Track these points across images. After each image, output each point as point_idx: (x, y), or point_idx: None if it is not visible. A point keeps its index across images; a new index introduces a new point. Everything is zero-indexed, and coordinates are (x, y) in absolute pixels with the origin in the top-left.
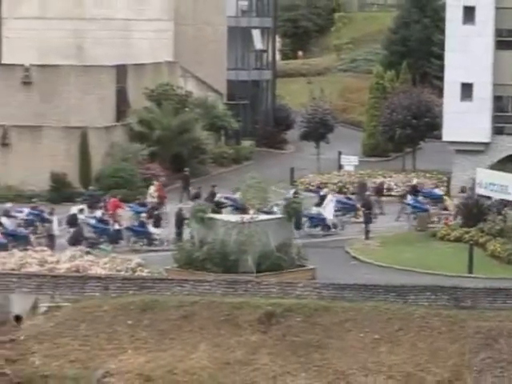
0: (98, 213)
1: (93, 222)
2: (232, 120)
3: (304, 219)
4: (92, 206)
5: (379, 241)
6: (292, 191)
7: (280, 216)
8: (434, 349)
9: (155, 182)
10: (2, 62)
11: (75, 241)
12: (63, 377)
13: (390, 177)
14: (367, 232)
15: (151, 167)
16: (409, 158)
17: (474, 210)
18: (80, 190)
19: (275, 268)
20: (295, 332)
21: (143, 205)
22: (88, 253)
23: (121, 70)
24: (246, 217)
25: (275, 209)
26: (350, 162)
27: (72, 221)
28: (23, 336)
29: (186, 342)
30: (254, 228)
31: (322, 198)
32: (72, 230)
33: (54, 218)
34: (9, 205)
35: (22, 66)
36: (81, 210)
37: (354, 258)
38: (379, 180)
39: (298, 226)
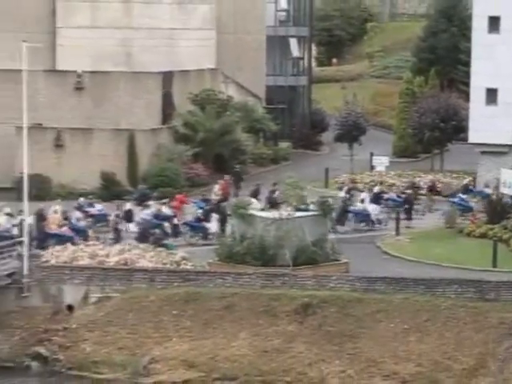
0: (164, 208)
1: (148, 217)
2: (270, 123)
3: (350, 215)
4: (143, 203)
5: (409, 237)
6: (345, 189)
7: (315, 213)
8: (460, 338)
9: (220, 180)
10: (57, 68)
11: (143, 237)
12: (112, 363)
13: (419, 176)
14: (398, 228)
15: (194, 167)
16: (437, 159)
17: (498, 208)
18: (128, 188)
19: (311, 262)
20: (329, 322)
21: (207, 200)
22: (163, 246)
23: (167, 76)
24: (284, 214)
25: (311, 206)
26: (381, 162)
27: (128, 216)
28: (75, 324)
29: (227, 331)
30: (291, 224)
31: (376, 196)
32: (129, 225)
33: (121, 213)
34: (81, 199)
35: (75, 72)
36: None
37: (386, 252)
38: (429, 179)
39: (343, 222)
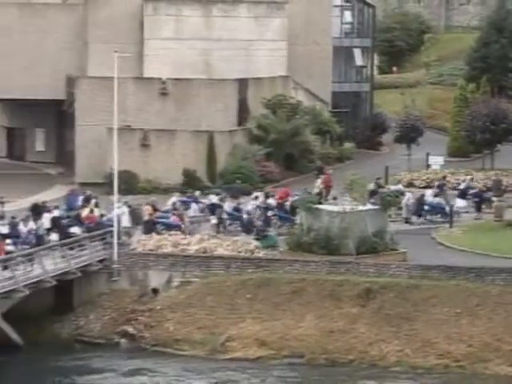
0: (270, 200)
1: (229, 210)
2: (336, 125)
3: (426, 207)
4: (235, 197)
5: (462, 229)
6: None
7: (376, 207)
8: (508, 322)
9: (321, 175)
10: (144, 75)
11: (247, 229)
12: (192, 341)
13: (471, 174)
14: (451, 221)
15: (267, 165)
16: (487, 159)
17: None
18: (207, 183)
19: (372, 251)
20: (388, 306)
21: (308, 193)
22: (265, 237)
23: (242, 83)
24: (348, 207)
25: (372, 200)
26: (436, 161)
27: (211, 210)
28: (159, 306)
29: (296, 313)
30: (353, 217)
31: (463, 192)
32: (211, 217)
33: (226, 205)
34: (197, 192)
35: (160, 79)
36: (255, 197)
37: (440, 243)
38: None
39: (419, 214)
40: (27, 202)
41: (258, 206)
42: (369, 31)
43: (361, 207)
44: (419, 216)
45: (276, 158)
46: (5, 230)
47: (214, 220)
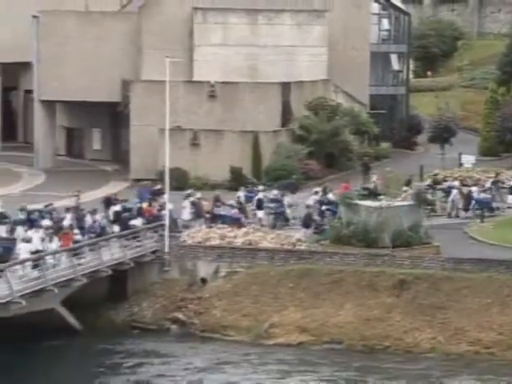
0: (330, 196)
1: (271, 204)
2: (373, 126)
3: (473, 202)
4: (293, 192)
5: (492, 224)
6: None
7: (411, 203)
8: None
9: (368, 171)
10: (193, 79)
11: (306, 223)
12: (238, 327)
13: (502, 172)
14: (483, 216)
15: (309, 163)
16: None
17: None
18: (253, 180)
19: (407, 244)
20: (422, 296)
21: (366, 189)
22: (322, 232)
23: (286, 86)
24: (384, 203)
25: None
26: (468, 160)
27: (259, 205)
28: (207, 294)
29: (335, 302)
30: (390, 212)
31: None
32: (258, 212)
33: (285, 200)
34: (261, 187)
35: (209, 82)
36: (315, 192)
37: (472, 237)
38: None
39: (467, 208)
40: (87, 196)
41: (316, 201)
42: (405, 38)
43: (397, 203)
44: (466, 211)
45: (317, 156)
46: (68, 221)
47: (260, 214)
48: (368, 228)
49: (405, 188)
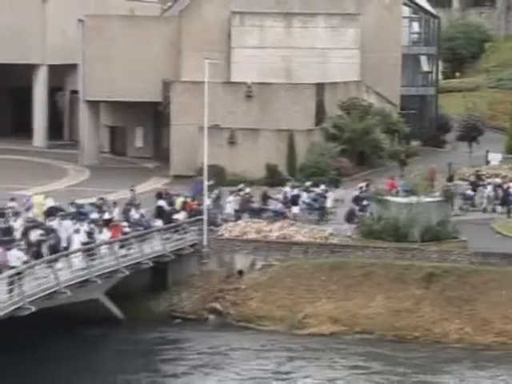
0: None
1: (307, 200)
2: (403, 125)
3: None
4: (336, 186)
5: None
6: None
7: (440, 199)
8: None
9: (405, 167)
10: (231, 80)
11: (349, 218)
12: (273, 317)
13: None
14: (509, 211)
15: (341, 161)
16: None
17: None
18: (287, 177)
19: (435, 239)
20: (450, 288)
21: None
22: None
23: (319, 87)
24: (414, 199)
25: (436, 193)
26: (495, 158)
27: (294, 200)
28: (244, 286)
29: (366, 294)
30: (419, 208)
31: None
32: (294, 208)
33: (330, 195)
34: (308, 183)
35: (246, 83)
36: (360, 188)
37: (498, 232)
38: None
39: (504, 204)
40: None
41: (357, 196)
42: (434, 40)
43: (426, 199)
44: (502, 205)
45: (349, 154)
46: (116, 215)
47: (295, 210)
48: (398, 223)
49: (448, 183)
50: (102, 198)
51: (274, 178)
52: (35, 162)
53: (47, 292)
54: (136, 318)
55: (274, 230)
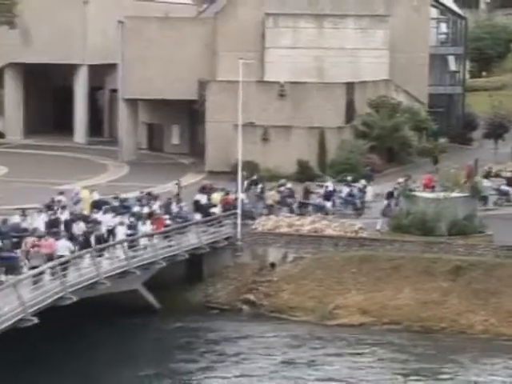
0: (412, 185)
1: (343, 195)
2: (431, 123)
3: None
4: (371, 180)
5: None
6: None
7: (466, 194)
8: None
9: (437, 164)
10: (265, 79)
11: (385, 213)
12: (304, 308)
13: None
14: None
15: (371, 157)
16: None
17: None
18: (318, 173)
19: (462, 233)
20: (477, 281)
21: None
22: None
23: (350, 86)
24: (441, 194)
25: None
26: None
27: (389, 195)
28: (276, 278)
29: (394, 286)
30: (446, 203)
31: None
32: (327, 203)
33: (370, 189)
34: (349, 178)
35: (279, 82)
36: (398, 183)
37: None
38: None
39: None
40: (168, 186)
41: (391, 192)
42: (461, 40)
43: (453, 194)
44: None
45: (378, 151)
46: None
47: (328, 204)
48: (426, 217)
49: (483, 180)
50: (144, 192)
51: (305, 173)
52: (76, 157)
53: (88, 282)
54: (173, 308)
55: (306, 224)
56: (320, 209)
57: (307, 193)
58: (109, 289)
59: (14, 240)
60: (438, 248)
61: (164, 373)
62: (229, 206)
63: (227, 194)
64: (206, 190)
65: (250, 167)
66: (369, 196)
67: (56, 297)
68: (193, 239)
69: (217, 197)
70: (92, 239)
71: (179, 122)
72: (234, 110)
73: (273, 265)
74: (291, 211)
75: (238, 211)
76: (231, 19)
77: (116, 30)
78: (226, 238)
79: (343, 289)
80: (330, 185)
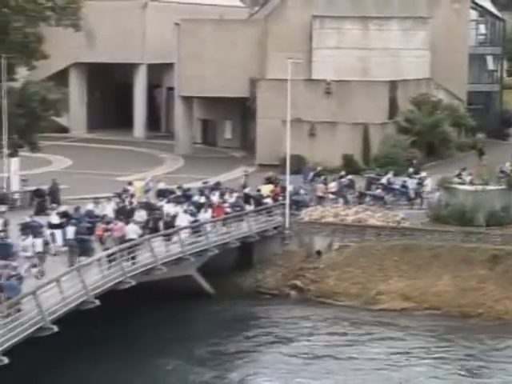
0: (465, 177)
1: (397, 186)
2: (470, 119)
3: None
4: (418, 173)
5: None
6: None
7: (503, 187)
8: None
9: (482, 157)
10: (312, 78)
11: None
12: (349, 294)
13: None
14: None
15: (412, 151)
16: None
17: None
18: (362, 166)
19: (499, 223)
20: None
21: (503, 172)
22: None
23: (392, 84)
24: (479, 187)
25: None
26: None
27: (368, 187)
28: (322, 265)
29: (434, 273)
30: (484, 195)
31: None
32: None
33: (429, 181)
34: (411, 170)
35: (325, 81)
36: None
37: None
38: None
39: None
40: (222, 178)
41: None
42: (499, 41)
43: (491, 187)
44: None
45: (419, 145)
46: (215, 197)
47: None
48: (464, 209)
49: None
50: (210, 182)
51: (349, 167)
52: (135, 151)
53: (146, 268)
54: (225, 293)
55: (350, 215)
56: (378, 199)
57: (369, 184)
58: (165, 274)
59: (88, 225)
60: (475, 238)
61: (218, 351)
62: (278, 197)
63: (276, 186)
64: (270, 180)
65: (298, 161)
66: (428, 187)
67: (116, 281)
68: (244, 228)
69: (266, 188)
70: (160, 225)
71: (231, 118)
72: (282, 106)
73: (319, 253)
74: (346, 202)
75: (286, 202)
76: (281, 21)
77: (173, 31)
78: (275, 227)
79: (385, 276)
80: (390, 176)
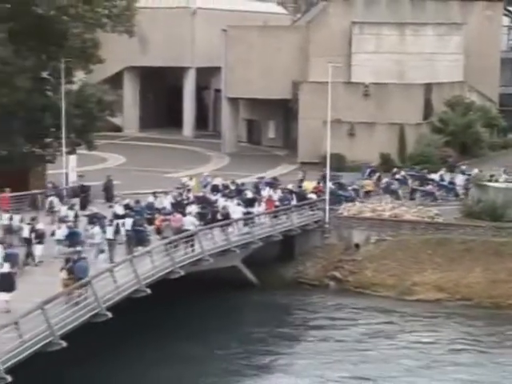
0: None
1: (445, 183)
2: (502, 120)
3: None
4: (452, 170)
5: None
6: None
7: None
8: None
9: None
10: (351, 81)
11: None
12: (385, 285)
13: None
14: None
15: (446, 150)
16: None
17: None
18: (398, 164)
19: None
20: None
21: None
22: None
23: (427, 87)
24: (510, 185)
25: None
26: None
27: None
28: (360, 257)
29: (466, 266)
30: None
31: None
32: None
33: (435, 176)
34: (464, 167)
35: (363, 83)
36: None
37: None
38: None
39: None
40: (266, 175)
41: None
42: None
43: None
44: None
45: (453, 145)
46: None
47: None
48: (495, 205)
49: None
50: (262, 177)
51: (387, 164)
52: (184, 149)
53: (194, 259)
54: (268, 283)
55: (387, 210)
56: (429, 195)
57: (423, 180)
58: (211, 265)
59: (148, 217)
60: (506, 232)
61: (263, 338)
62: (320, 193)
63: (319, 183)
64: (324, 177)
65: (337, 159)
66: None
67: (166, 271)
68: (286, 222)
69: (308, 185)
70: (217, 217)
71: (275, 119)
72: (323, 108)
73: (357, 246)
74: (397, 198)
75: (326, 197)
76: (322, 27)
77: (220, 37)
78: (316, 222)
79: (420, 268)
80: (443, 173)
